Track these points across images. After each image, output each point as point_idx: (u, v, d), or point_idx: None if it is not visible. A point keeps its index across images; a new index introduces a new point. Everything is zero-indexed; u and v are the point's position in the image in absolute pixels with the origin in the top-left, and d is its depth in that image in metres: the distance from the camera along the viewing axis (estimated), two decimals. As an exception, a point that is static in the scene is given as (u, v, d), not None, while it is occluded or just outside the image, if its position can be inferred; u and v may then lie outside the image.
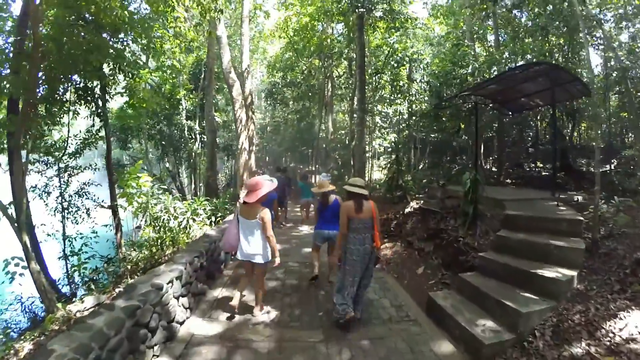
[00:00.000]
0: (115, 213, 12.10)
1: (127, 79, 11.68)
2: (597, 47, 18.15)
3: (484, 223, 7.03)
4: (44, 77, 9.28)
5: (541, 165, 17.56)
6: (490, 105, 14.62)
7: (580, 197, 8.67)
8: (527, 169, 17.65)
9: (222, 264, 6.74)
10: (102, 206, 12.42)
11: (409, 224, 8.60)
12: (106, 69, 10.56)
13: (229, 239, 5.00)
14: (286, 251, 8.24)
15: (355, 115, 14.11)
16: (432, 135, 19.29)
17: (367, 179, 16.70)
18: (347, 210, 4.49)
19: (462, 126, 17.03)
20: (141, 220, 13.13)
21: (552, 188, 9.06)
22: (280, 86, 22.14)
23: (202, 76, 20.93)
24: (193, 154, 20.69)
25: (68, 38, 8.33)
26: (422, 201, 8.98)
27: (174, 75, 22.16)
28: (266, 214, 4.61)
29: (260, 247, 4.65)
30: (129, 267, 8.16)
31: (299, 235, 10.17)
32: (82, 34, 8.63)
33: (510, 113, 14.48)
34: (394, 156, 10.96)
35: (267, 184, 4.91)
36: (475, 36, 18.11)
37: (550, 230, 6.02)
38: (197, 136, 21.12)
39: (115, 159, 21.00)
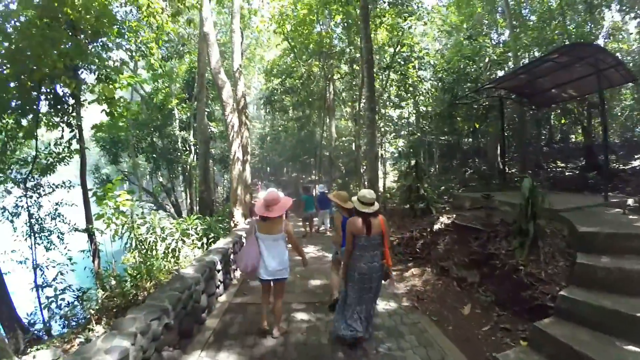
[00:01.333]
0: (91, 237, 10.33)
1: (101, 84, 10.04)
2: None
3: (546, 244, 5.22)
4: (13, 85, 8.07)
5: (562, 164, 15.90)
6: (512, 99, 12.94)
7: (630, 201, 7.11)
8: (548, 170, 15.97)
9: (203, 311, 4.95)
10: (76, 229, 10.62)
11: (440, 245, 6.78)
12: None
13: (251, 261, 4.37)
14: (288, 284, 6.42)
15: (363, 114, 12.35)
16: (442, 138, 17.57)
17: (380, 188, 14.92)
18: (354, 228, 3.99)
19: (477, 126, 15.37)
20: (126, 244, 11.36)
21: (604, 191, 7.35)
22: (278, 92, 20.46)
23: (196, 84, 19.35)
24: (188, 167, 18.99)
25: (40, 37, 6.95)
26: (453, 215, 7.14)
27: (166, 85, 20.69)
28: (289, 225, 4.48)
29: (285, 262, 4.42)
30: (93, 310, 6.50)
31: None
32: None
33: (535, 108, 12.72)
34: (410, 162, 9.14)
35: (284, 197, 4.62)
36: (484, 30, 16.42)
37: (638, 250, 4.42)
38: (192, 148, 19.48)
39: (104, 174, 19.40)
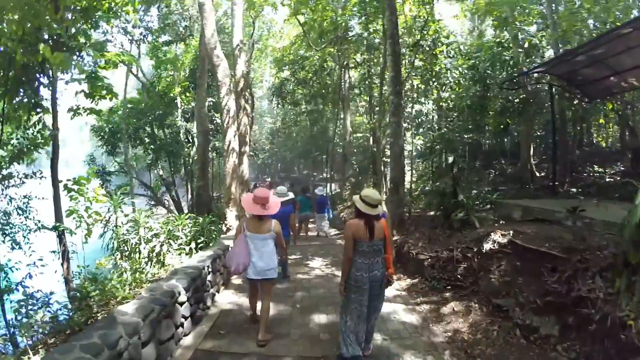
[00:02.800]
0: (60, 237, 8.69)
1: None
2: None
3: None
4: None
5: (599, 169, 13.84)
6: (562, 88, 10.86)
7: None
8: (585, 175, 13.88)
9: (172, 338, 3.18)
10: (44, 227, 8.97)
11: (494, 273, 4.85)
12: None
13: (241, 260, 4.09)
14: (280, 322, 4.62)
15: (386, 100, 10.32)
16: (466, 136, 15.54)
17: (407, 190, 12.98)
18: (355, 231, 3.53)
19: (509, 122, 13.32)
20: (109, 245, 9.89)
21: None
22: (290, 84, 18.59)
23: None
24: (190, 159, 17.29)
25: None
26: (509, 231, 5.19)
27: (170, 72, 19.04)
28: (278, 225, 4.33)
29: (273, 261, 4.24)
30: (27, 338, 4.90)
31: (305, 280, 6.45)
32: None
33: (587, 100, 10.62)
34: (443, 159, 7.14)
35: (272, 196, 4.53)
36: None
37: None
38: (195, 140, 17.80)
39: (100, 165, 17.82)
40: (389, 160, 16.52)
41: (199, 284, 4.46)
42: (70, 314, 5.09)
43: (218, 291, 5.48)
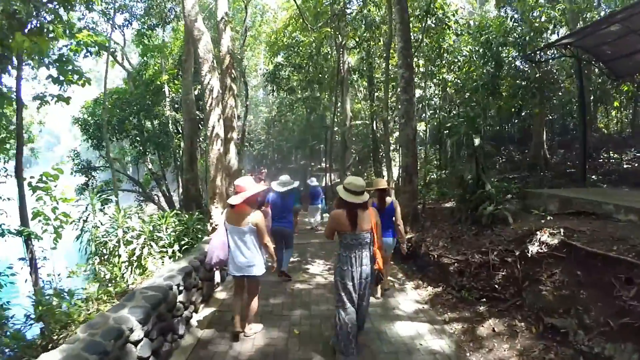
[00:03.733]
0: (27, 242, 7.62)
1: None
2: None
3: None
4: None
5: (616, 155, 12.87)
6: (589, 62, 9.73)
7: None
8: (600, 160, 12.87)
9: None
10: (9, 232, 7.86)
11: (544, 283, 3.79)
12: None
13: (217, 252, 3.84)
14: (273, 358, 3.56)
15: (395, 76, 9.15)
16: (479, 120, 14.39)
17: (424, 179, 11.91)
18: (338, 222, 3.31)
19: (521, 105, 12.21)
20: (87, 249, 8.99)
21: None
22: (284, 69, 17.33)
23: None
24: (180, 151, 16.12)
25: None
26: (559, 230, 4.12)
27: (157, 59, 17.78)
28: (258, 218, 3.80)
29: (255, 257, 3.80)
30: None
31: (305, 291, 5.31)
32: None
33: (615, 77, 9.49)
34: (468, 141, 5.95)
35: (255, 184, 4.03)
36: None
37: None
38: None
39: (85, 160, 16.64)
40: (394, 146, 15.52)
41: (165, 310, 3.38)
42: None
43: (196, 311, 4.41)
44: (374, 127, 15.67)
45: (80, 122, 16.96)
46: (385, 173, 14.96)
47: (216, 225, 6.68)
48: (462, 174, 5.85)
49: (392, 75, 11.62)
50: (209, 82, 6.55)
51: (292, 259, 6.47)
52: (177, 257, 7.55)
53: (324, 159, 31.80)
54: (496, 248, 4.55)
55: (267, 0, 26.86)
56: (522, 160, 14.53)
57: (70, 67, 8.44)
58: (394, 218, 4.57)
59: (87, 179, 16.32)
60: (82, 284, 7.76)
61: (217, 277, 5.64)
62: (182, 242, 7.58)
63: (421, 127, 15.93)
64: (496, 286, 4.38)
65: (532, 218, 5.32)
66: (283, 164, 34.60)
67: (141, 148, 16.21)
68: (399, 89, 6.88)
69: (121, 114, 15.02)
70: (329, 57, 17.66)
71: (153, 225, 8.50)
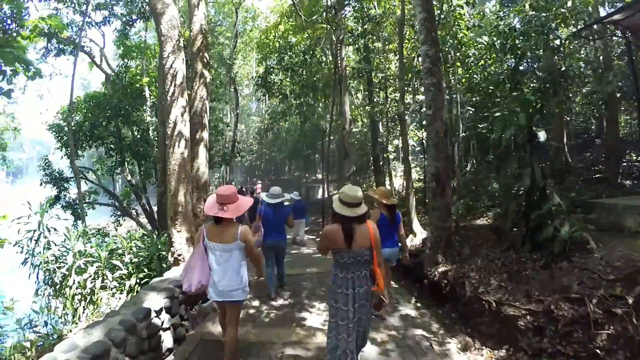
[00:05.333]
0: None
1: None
2: None
3: None
4: None
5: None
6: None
7: None
8: (624, 163, 11.47)
9: None
10: None
11: None
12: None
13: (198, 277, 3.21)
14: None
15: (419, 59, 7.51)
16: (480, 126, 12.90)
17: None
18: (332, 238, 2.87)
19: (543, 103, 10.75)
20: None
21: None
22: (276, 71, 15.79)
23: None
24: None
25: None
26: None
27: (137, 59, 16.21)
28: (248, 232, 3.28)
29: (239, 280, 3.24)
30: None
31: (301, 356, 3.53)
32: None
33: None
34: (531, 137, 4.30)
35: (244, 198, 3.43)
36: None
37: None
38: (166, 137, 15.01)
39: (57, 171, 14.87)
40: (394, 155, 13.94)
41: None
42: None
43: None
44: (379, 129, 13.92)
45: (53, 129, 15.46)
46: (387, 183, 13.40)
47: (180, 255, 4.96)
48: (510, 182, 4.23)
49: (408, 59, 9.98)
50: (171, 66, 4.91)
51: (281, 302, 4.91)
52: (135, 291, 5.88)
53: (318, 170, 30.21)
54: (595, 292, 2.91)
55: (258, 4, 25.63)
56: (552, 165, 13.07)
57: (10, 52, 6.87)
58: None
59: (58, 191, 14.57)
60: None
61: (168, 338, 3.85)
62: (142, 275, 5.88)
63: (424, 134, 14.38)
64: (599, 351, 2.74)
65: (616, 240, 3.72)
66: (276, 175, 32.94)
67: (118, 157, 14.51)
68: (422, 72, 5.28)
69: (93, 119, 13.32)
70: (324, 61, 16.21)
71: (111, 250, 6.83)
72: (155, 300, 3.59)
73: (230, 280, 3.19)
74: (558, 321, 2.97)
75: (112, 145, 13.99)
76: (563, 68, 9.69)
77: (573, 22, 10.24)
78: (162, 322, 3.58)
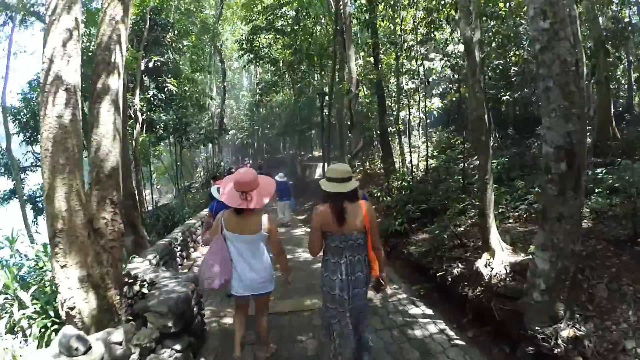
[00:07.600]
0: None
1: None
2: None
3: None
4: None
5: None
6: None
7: None
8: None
9: None
10: None
11: None
12: None
13: (221, 274, 2.84)
14: None
15: None
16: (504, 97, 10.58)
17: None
18: (323, 221, 2.53)
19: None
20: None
21: None
22: (263, 32, 13.32)
23: (147, 25, 12.48)
24: (134, 143, 12.11)
25: None
26: None
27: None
28: (272, 222, 2.93)
29: (267, 271, 2.96)
30: None
31: None
32: None
33: None
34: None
35: (265, 178, 3.04)
36: None
37: None
38: (139, 116, 12.73)
39: (15, 159, 12.62)
40: (402, 127, 11.65)
41: None
42: None
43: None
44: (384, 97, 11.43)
45: (10, 112, 13.34)
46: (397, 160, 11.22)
47: (72, 307, 2.83)
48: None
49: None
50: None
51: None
52: (46, 340, 3.66)
53: (315, 147, 27.87)
54: None
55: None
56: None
57: None
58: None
59: (14, 183, 12.39)
60: None
61: None
62: (49, 321, 3.74)
63: (437, 103, 12.06)
64: None
65: None
66: (270, 154, 30.61)
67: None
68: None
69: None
70: (320, 22, 13.73)
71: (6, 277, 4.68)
72: None
73: (258, 272, 2.92)
74: None
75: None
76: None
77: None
78: None
